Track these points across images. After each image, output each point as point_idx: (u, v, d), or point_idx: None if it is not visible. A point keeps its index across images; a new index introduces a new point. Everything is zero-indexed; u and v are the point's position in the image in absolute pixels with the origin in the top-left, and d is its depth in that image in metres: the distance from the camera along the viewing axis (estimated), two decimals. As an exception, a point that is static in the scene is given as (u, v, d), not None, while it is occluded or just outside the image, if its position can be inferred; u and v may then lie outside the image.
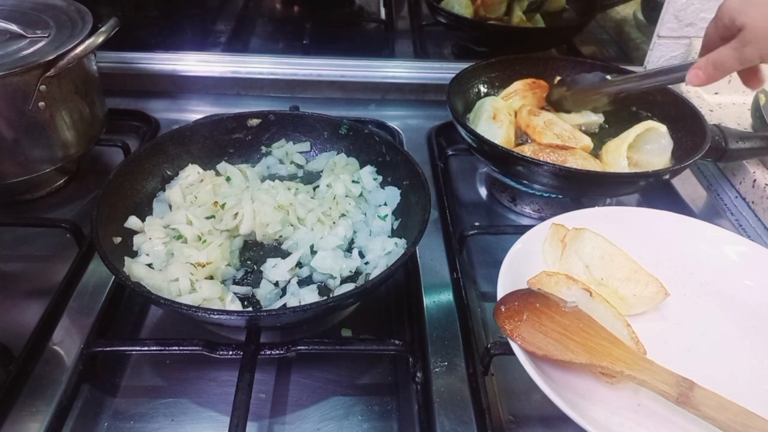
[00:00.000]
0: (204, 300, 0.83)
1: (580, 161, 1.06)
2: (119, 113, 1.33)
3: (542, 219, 0.94)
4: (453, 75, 1.23)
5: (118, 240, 0.90)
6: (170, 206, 0.99)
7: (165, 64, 1.44)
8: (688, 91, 1.48)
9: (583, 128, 1.20)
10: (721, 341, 0.82)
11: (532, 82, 1.27)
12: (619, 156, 1.06)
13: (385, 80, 1.48)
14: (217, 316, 0.77)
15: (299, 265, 0.92)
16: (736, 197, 1.23)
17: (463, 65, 1.27)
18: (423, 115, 1.44)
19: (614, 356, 0.70)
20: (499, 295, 0.78)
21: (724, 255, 0.91)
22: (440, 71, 1.46)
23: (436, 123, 1.36)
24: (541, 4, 1.65)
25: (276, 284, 0.90)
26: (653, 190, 1.20)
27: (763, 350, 0.81)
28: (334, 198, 1.01)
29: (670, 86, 1.18)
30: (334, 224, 0.97)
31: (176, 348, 0.79)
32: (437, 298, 0.94)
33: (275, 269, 0.90)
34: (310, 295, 0.86)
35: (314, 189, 1.06)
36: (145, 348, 0.80)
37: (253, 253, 0.96)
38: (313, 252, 0.93)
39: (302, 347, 0.79)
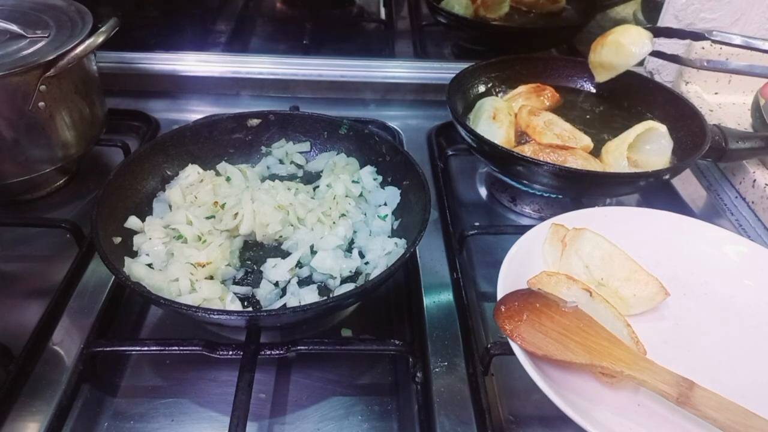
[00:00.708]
0: (204, 300, 0.83)
1: (580, 161, 1.06)
2: (119, 113, 1.33)
3: (542, 219, 0.94)
4: (453, 75, 1.23)
5: (118, 240, 0.90)
6: (170, 206, 0.99)
7: (165, 64, 1.44)
8: (688, 91, 1.48)
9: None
10: (721, 341, 0.82)
11: (536, 86, 1.27)
12: (620, 156, 1.06)
13: (385, 80, 1.48)
14: (217, 316, 0.77)
15: (299, 265, 0.92)
16: (736, 197, 1.23)
17: (463, 65, 1.27)
18: (423, 115, 1.44)
19: (614, 356, 0.70)
20: (499, 295, 0.78)
21: (724, 255, 0.91)
22: (440, 71, 1.46)
23: (436, 123, 1.36)
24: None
25: (276, 284, 0.90)
26: (653, 190, 1.20)
27: (763, 350, 0.81)
28: (334, 198, 1.01)
29: (670, 86, 1.18)
30: (334, 224, 0.97)
31: (176, 348, 0.79)
32: (437, 298, 0.94)
33: (275, 269, 0.90)
34: (310, 295, 0.86)
35: (314, 189, 1.06)
36: (145, 348, 0.80)
37: (253, 253, 0.96)
38: (313, 252, 0.93)
39: (302, 347, 0.79)
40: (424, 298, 0.92)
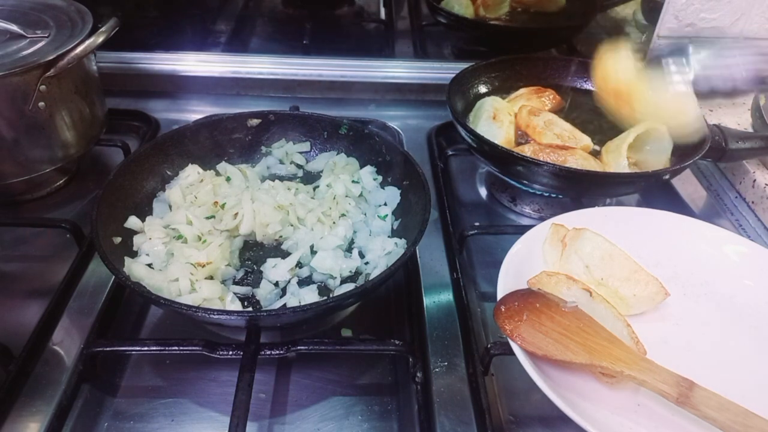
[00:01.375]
0: (204, 300, 0.83)
1: (580, 161, 1.06)
2: (119, 113, 1.33)
3: (542, 219, 0.94)
4: (453, 75, 1.23)
5: (118, 240, 0.90)
6: (170, 206, 0.99)
7: (165, 64, 1.44)
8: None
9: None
10: (720, 341, 0.82)
11: (538, 88, 1.27)
12: (619, 156, 1.06)
13: (385, 80, 1.48)
14: (217, 316, 0.77)
15: (299, 265, 0.92)
16: (736, 197, 1.23)
17: (463, 65, 1.27)
18: (423, 115, 1.44)
19: (614, 356, 0.70)
20: (499, 295, 0.78)
21: (724, 255, 0.91)
22: (440, 71, 1.46)
23: (436, 123, 1.36)
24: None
25: (276, 284, 0.90)
26: (653, 190, 1.20)
27: (763, 350, 0.81)
28: (334, 198, 1.01)
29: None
30: (334, 224, 0.97)
31: (176, 348, 0.79)
32: (437, 298, 0.94)
33: (275, 269, 0.90)
34: (310, 295, 0.86)
35: (314, 189, 1.06)
36: (145, 348, 0.80)
37: (253, 253, 0.96)
38: (313, 252, 0.93)
39: (302, 347, 0.79)
40: (424, 298, 0.92)
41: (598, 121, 1.24)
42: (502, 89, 1.31)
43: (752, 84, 1.09)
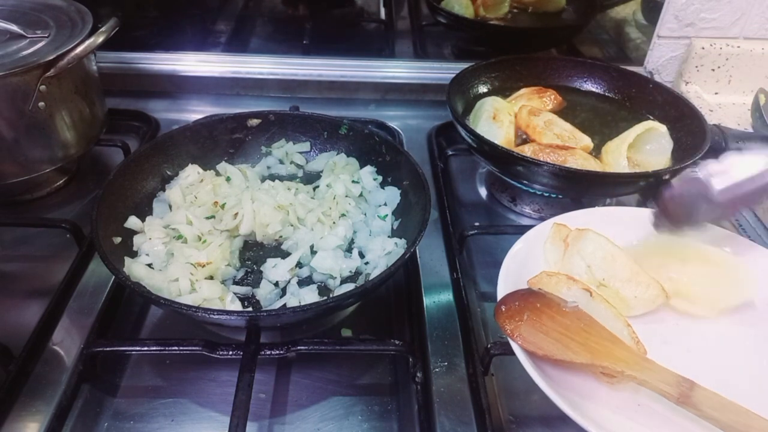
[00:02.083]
0: (204, 300, 0.83)
1: (580, 161, 1.05)
2: (119, 113, 1.33)
3: (542, 219, 0.94)
4: (453, 75, 1.23)
5: (118, 240, 0.90)
6: (170, 206, 0.99)
7: (165, 64, 1.44)
8: (688, 91, 1.48)
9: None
10: (721, 342, 0.82)
11: (539, 88, 1.27)
12: (619, 156, 1.06)
13: (385, 80, 1.48)
14: (217, 316, 0.77)
15: (299, 265, 0.92)
16: (736, 197, 1.23)
17: (463, 65, 1.27)
18: (423, 115, 1.44)
19: (615, 356, 0.70)
20: (500, 294, 0.78)
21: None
22: (440, 71, 1.46)
23: (436, 123, 1.36)
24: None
25: (276, 284, 0.90)
26: (653, 190, 1.20)
27: (764, 350, 0.81)
28: (334, 198, 1.01)
29: (670, 86, 1.18)
30: (334, 224, 0.97)
31: (176, 348, 0.79)
32: (437, 298, 0.94)
33: (275, 269, 0.90)
34: (310, 295, 0.86)
35: (314, 189, 1.06)
36: (145, 348, 0.80)
37: (253, 253, 0.96)
38: (313, 252, 0.93)
39: (302, 347, 0.79)
40: (424, 298, 0.92)
41: (598, 121, 1.24)
42: (502, 89, 1.30)
43: None
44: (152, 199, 1.01)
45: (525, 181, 1.07)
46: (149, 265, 0.88)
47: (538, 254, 0.89)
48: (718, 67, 1.46)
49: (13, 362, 0.79)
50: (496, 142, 1.07)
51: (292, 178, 1.12)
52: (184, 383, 0.82)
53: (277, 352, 0.79)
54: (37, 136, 1.02)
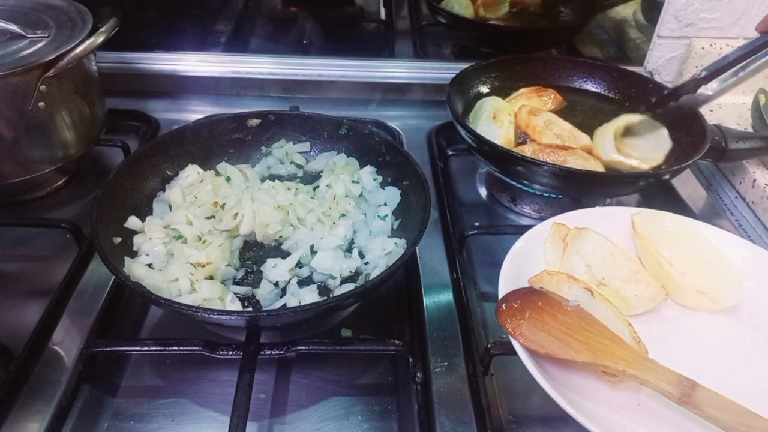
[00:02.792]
0: (204, 300, 0.83)
1: (580, 161, 1.05)
2: (119, 113, 1.33)
3: (542, 219, 0.94)
4: (453, 75, 1.23)
5: (118, 240, 0.90)
6: (170, 206, 0.99)
7: (165, 64, 1.44)
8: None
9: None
10: (721, 342, 0.82)
11: (538, 88, 1.27)
12: (605, 136, 1.08)
13: (385, 80, 1.48)
14: (217, 316, 0.76)
15: (299, 265, 0.92)
16: (736, 197, 1.23)
17: (463, 65, 1.27)
18: (423, 115, 1.44)
19: (617, 355, 0.70)
20: (501, 293, 0.78)
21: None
22: (440, 71, 1.46)
23: (436, 123, 1.36)
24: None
25: (276, 284, 0.89)
26: (653, 190, 1.20)
27: (764, 351, 0.81)
28: (334, 198, 1.01)
29: (670, 86, 1.18)
30: (334, 224, 0.97)
31: (176, 348, 0.79)
32: (437, 298, 0.94)
33: (275, 269, 0.90)
34: (310, 295, 0.86)
35: (314, 189, 1.06)
36: (145, 348, 0.80)
37: (253, 253, 0.96)
38: (313, 252, 0.93)
39: (302, 347, 0.79)
40: (424, 298, 0.92)
41: (597, 121, 1.24)
42: (502, 89, 1.30)
43: None
44: (152, 199, 1.01)
45: (525, 181, 1.07)
46: (149, 265, 0.88)
47: (539, 254, 0.89)
48: (718, 67, 1.46)
49: (13, 362, 0.79)
50: (496, 142, 1.07)
51: (292, 178, 1.12)
52: (184, 383, 0.82)
53: (277, 352, 0.79)
54: (37, 136, 1.02)
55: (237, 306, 0.85)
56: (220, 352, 0.78)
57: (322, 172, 1.11)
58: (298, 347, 0.79)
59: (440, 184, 1.17)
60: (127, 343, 0.83)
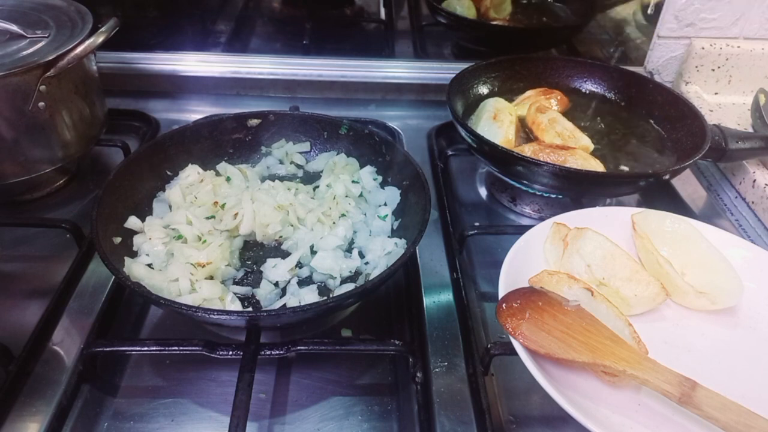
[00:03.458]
0: (204, 300, 0.83)
1: (580, 161, 1.05)
2: (119, 113, 1.33)
3: (542, 219, 0.94)
4: (453, 75, 1.23)
5: (118, 240, 0.90)
6: (170, 206, 0.99)
7: (165, 64, 1.44)
8: (688, 91, 1.48)
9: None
10: (721, 342, 0.82)
11: (544, 90, 1.27)
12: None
13: (385, 80, 1.48)
14: (217, 316, 0.76)
15: (299, 265, 0.92)
16: (736, 197, 1.23)
17: (463, 65, 1.27)
18: (423, 115, 1.44)
19: (617, 355, 0.70)
20: (501, 293, 0.78)
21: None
22: (440, 71, 1.46)
23: (436, 123, 1.36)
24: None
25: (276, 284, 0.89)
26: (653, 190, 1.20)
27: (763, 351, 0.81)
28: (334, 198, 1.01)
29: (670, 86, 1.18)
30: (334, 224, 0.97)
31: (176, 348, 0.79)
32: (437, 298, 0.94)
33: (275, 269, 0.90)
34: (310, 295, 0.86)
35: (314, 189, 1.06)
36: (145, 348, 0.80)
37: (253, 253, 0.96)
38: (313, 252, 0.93)
39: (302, 347, 0.79)
40: (424, 298, 0.92)
41: (597, 121, 1.24)
42: (502, 89, 1.31)
43: None
44: (152, 199, 1.01)
45: (525, 182, 1.07)
46: (149, 265, 0.88)
47: (539, 254, 0.89)
48: (718, 67, 1.46)
49: (13, 362, 0.79)
50: (495, 142, 1.07)
51: (292, 178, 1.12)
52: (184, 383, 0.82)
53: (277, 352, 0.79)
54: (37, 136, 1.02)
55: (237, 306, 0.85)
56: (220, 352, 0.78)
57: (322, 172, 1.11)
58: (298, 347, 0.79)
59: (440, 184, 1.17)
60: (127, 343, 0.83)
